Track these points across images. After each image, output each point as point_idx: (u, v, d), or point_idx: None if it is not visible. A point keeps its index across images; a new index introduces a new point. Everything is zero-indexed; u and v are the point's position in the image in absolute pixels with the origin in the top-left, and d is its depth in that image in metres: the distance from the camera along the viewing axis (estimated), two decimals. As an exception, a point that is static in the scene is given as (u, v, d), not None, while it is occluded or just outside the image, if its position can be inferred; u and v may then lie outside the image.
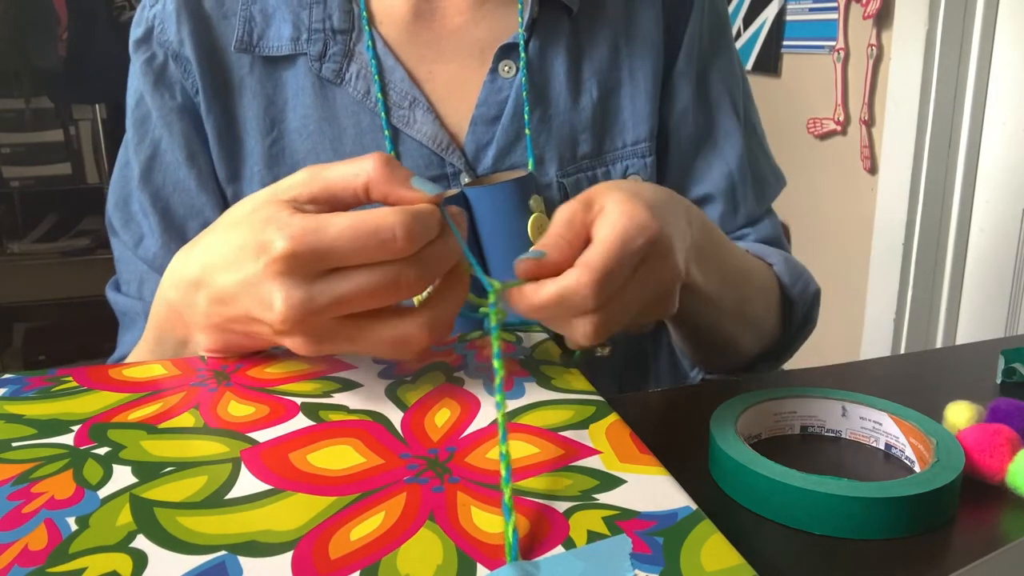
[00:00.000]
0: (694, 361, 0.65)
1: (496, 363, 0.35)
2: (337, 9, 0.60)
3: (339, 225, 0.35)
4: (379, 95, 0.59)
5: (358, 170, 0.38)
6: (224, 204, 0.62)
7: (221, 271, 0.39)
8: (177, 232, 0.62)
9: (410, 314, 0.37)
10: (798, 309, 0.65)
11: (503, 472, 0.30)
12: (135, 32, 0.62)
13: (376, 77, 0.60)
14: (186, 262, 0.43)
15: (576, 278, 0.38)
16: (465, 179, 0.60)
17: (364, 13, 0.60)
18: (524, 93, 0.60)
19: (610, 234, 0.39)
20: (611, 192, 0.42)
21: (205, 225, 0.61)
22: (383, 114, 0.59)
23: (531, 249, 0.40)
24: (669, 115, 0.66)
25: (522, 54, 0.61)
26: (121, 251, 0.64)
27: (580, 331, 0.40)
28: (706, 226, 0.51)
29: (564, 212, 0.41)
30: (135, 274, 0.63)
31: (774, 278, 0.64)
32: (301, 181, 0.39)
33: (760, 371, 0.66)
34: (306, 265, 0.35)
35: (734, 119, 0.68)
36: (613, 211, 0.41)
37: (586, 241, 0.40)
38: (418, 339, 0.37)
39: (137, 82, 0.62)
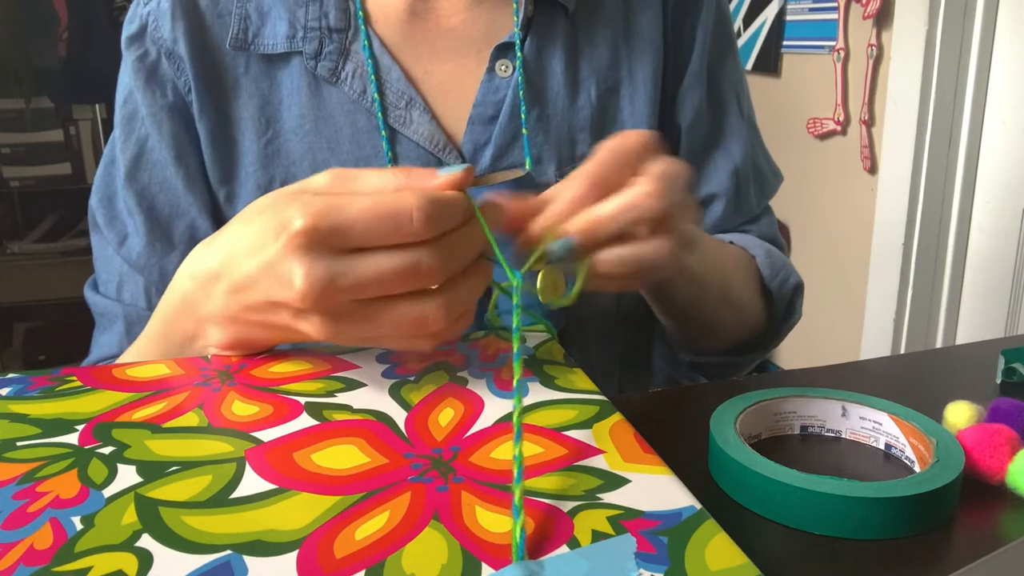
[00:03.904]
0: (682, 344, 0.65)
1: (515, 364, 0.35)
2: (333, 7, 0.60)
3: (359, 204, 0.36)
4: (375, 95, 0.59)
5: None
6: (213, 206, 0.61)
7: (241, 258, 0.39)
8: (162, 232, 0.61)
9: (428, 294, 0.38)
10: (778, 301, 0.65)
11: (515, 472, 0.30)
12: (128, 29, 0.62)
13: (372, 76, 0.59)
14: (205, 254, 0.43)
15: (640, 185, 0.40)
16: None
17: (360, 12, 0.60)
18: (521, 92, 0.60)
19: (667, 168, 0.42)
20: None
21: (191, 226, 0.61)
22: (379, 114, 0.59)
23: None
24: (683, 115, 0.66)
25: (518, 53, 0.61)
26: (102, 249, 0.64)
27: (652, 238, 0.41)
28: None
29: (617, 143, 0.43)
30: (114, 274, 0.63)
31: (755, 266, 0.65)
32: (326, 177, 0.40)
33: (748, 359, 0.67)
34: (325, 241, 0.36)
35: (740, 117, 0.69)
36: (664, 160, 0.43)
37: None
38: (435, 320, 0.37)
39: (128, 79, 0.62)
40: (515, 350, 0.36)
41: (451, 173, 0.39)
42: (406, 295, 0.38)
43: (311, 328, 0.38)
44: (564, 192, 0.41)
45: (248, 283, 0.39)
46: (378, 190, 0.38)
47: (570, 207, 0.41)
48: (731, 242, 0.66)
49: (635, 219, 0.41)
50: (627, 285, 0.45)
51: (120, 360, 0.54)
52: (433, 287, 0.38)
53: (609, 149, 0.42)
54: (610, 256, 0.42)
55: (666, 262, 0.43)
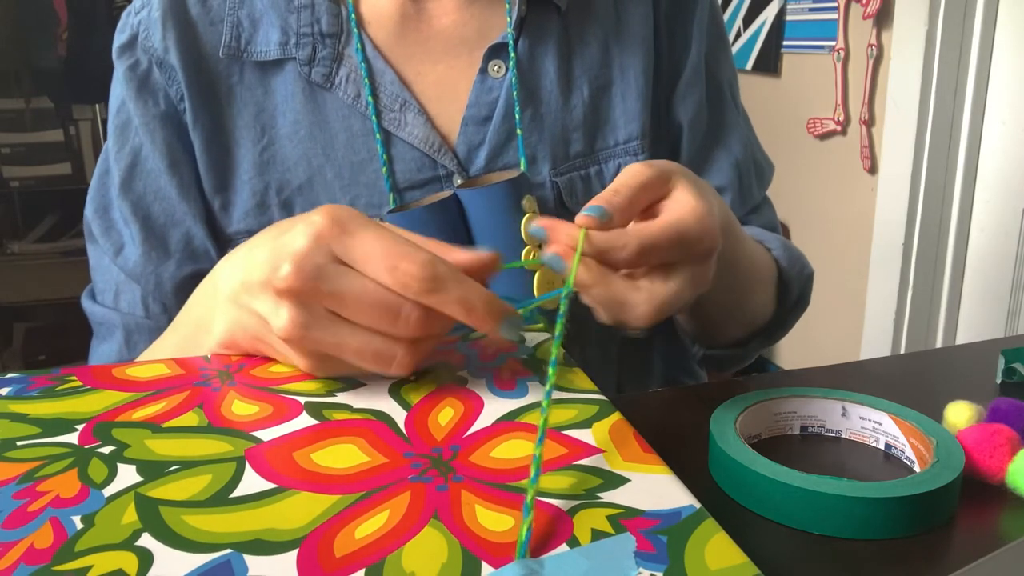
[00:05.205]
0: (694, 339, 0.66)
1: (551, 370, 0.35)
2: (325, 13, 0.59)
3: (385, 228, 0.37)
4: (370, 98, 0.59)
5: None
6: (207, 214, 0.61)
7: (264, 241, 0.41)
8: (158, 241, 0.61)
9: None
10: (794, 290, 0.66)
11: (532, 472, 0.30)
12: (119, 38, 0.61)
13: (366, 80, 0.59)
14: (245, 243, 0.45)
15: (623, 239, 0.39)
16: (458, 181, 0.60)
17: (352, 16, 0.60)
18: (515, 93, 0.60)
19: (675, 223, 0.41)
20: (686, 179, 0.43)
21: (187, 235, 0.61)
22: (374, 117, 0.59)
23: (592, 204, 0.40)
24: (684, 112, 0.66)
25: (511, 54, 0.61)
26: (98, 259, 0.63)
27: (637, 306, 0.41)
28: (726, 211, 0.51)
29: (639, 176, 0.42)
30: (111, 283, 0.62)
31: (772, 261, 0.65)
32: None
33: (754, 348, 0.67)
34: (335, 237, 0.37)
35: (736, 110, 0.70)
36: (686, 200, 0.42)
37: (645, 211, 0.42)
38: (395, 355, 0.38)
39: (120, 88, 0.62)
40: (552, 358, 0.35)
41: (476, 256, 0.40)
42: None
43: (280, 323, 0.38)
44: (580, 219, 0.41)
45: (255, 263, 0.40)
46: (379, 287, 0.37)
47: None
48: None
49: (606, 262, 0.40)
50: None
51: (149, 348, 0.55)
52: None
53: (639, 186, 0.41)
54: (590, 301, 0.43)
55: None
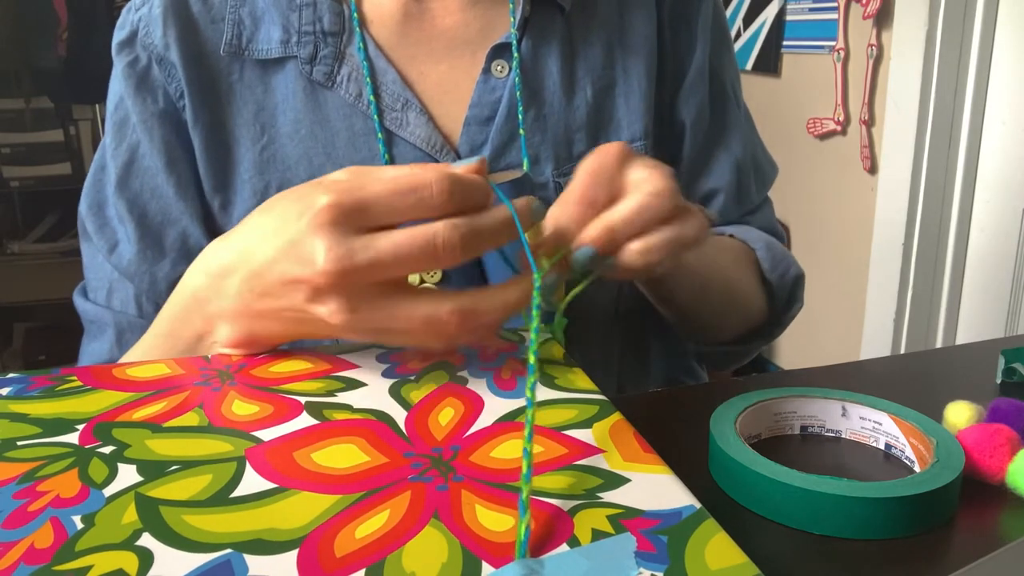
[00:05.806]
0: (687, 335, 0.66)
1: (531, 358, 0.35)
2: (328, 11, 0.59)
3: (380, 182, 0.37)
4: (371, 97, 0.59)
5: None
6: (205, 214, 0.61)
7: (260, 244, 0.40)
8: (154, 240, 0.61)
9: (445, 297, 0.38)
10: (778, 292, 0.66)
11: (524, 469, 0.30)
12: (119, 34, 0.61)
13: (368, 79, 0.59)
14: (219, 250, 0.43)
15: (566, 196, 0.42)
16: None
17: (355, 15, 0.60)
18: (518, 93, 0.60)
19: (588, 158, 0.43)
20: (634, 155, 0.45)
21: (183, 234, 0.60)
22: (376, 117, 0.59)
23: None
24: (688, 112, 0.66)
25: (515, 53, 0.61)
26: (92, 256, 0.63)
27: (651, 195, 0.42)
28: None
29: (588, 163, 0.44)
30: (104, 281, 0.62)
31: (755, 259, 0.65)
32: (344, 173, 0.40)
33: (752, 347, 0.67)
34: (349, 217, 0.37)
35: (737, 110, 0.70)
36: (648, 164, 0.44)
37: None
38: (447, 323, 0.38)
39: (118, 85, 0.61)
40: (532, 347, 0.36)
41: (467, 164, 0.40)
42: (424, 294, 0.38)
43: (326, 311, 0.38)
44: (560, 217, 0.42)
45: (266, 267, 0.39)
46: (397, 174, 0.39)
47: (572, 228, 0.42)
48: (731, 235, 0.67)
49: (650, 218, 0.42)
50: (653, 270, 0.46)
51: (122, 360, 0.54)
52: (454, 291, 0.38)
53: (591, 168, 0.43)
54: (638, 247, 0.42)
55: (700, 238, 0.44)
